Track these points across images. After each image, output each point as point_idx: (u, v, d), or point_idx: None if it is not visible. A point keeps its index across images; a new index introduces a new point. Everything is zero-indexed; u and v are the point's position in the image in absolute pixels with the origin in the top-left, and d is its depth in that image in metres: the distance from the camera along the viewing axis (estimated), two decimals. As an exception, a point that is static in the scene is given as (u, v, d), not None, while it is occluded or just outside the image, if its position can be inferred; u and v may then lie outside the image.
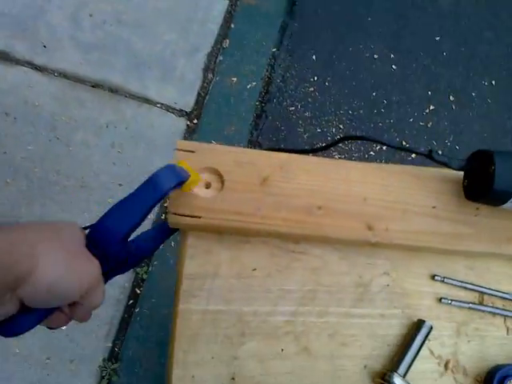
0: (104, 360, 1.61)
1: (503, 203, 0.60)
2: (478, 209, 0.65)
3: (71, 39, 1.92)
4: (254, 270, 0.62)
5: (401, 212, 0.62)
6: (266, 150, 0.73)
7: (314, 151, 0.75)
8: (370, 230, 0.61)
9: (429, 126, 2.06)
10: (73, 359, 1.59)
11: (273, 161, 0.62)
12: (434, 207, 0.64)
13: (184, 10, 2.05)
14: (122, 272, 0.56)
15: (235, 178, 0.60)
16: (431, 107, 2.08)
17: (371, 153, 1.97)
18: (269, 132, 1.93)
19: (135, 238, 0.58)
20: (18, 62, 1.85)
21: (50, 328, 0.48)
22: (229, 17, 2.09)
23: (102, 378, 1.60)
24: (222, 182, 0.60)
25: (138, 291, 1.67)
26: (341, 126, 1.98)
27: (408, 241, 0.62)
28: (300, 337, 0.60)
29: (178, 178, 0.52)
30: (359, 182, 0.63)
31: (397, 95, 2.07)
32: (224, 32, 2.06)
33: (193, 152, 0.60)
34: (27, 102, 1.81)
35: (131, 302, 1.67)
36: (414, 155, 1.99)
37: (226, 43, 2.05)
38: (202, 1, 2.08)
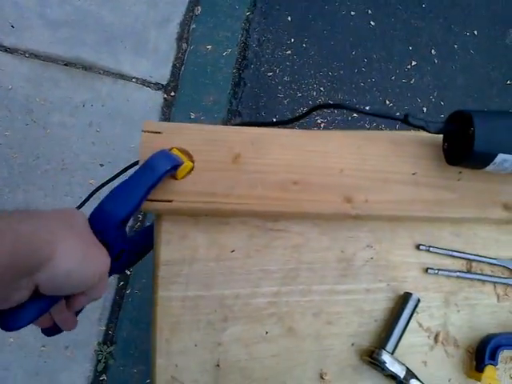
0: (99, 344, 1.62)
1: (485, 166, 0.58)
2: (460, 173, 0.63)
3: (39, 17, 1.84)
4: (233, 251, 0.60)
5: (380, 181, 0.60)
6: (237, 124, 0.70)
7: (287, 122, 0.72)
8: (348, 203, 0.59)
9: (412, 82, 2.02)
10: (68, 345, 1.59)
11: (244, 136, 0.60)
12: (413, 174, 0.62)
13: (152, -22, 1.96)
14: (120, 271, 0.56)
15: (205, 157, 0.58)
16: (413, 63, 2.04)
17: (354, 115, 1.94)
18: (248, 100, 1.89)
19: (134, 234, 0.58)
20: (-15, 44, 1.78)
21: (48, 333, 0.50)
22: (199, -18, 2.01)
23: (99, 361, 1.60)
24: (192, 162, 0.57)
25: (128, 272, 1.67)
26: (321, 89, 1.94)
27: (389, 211, 0.60)
28: (284, 318, 0.59)
29: (174, 162, 0.53)
30: (335, 153, 0.61)
31: (377, 52, 2.02)
32: (195, -2, 1.99)
33: (160, 133, 0.58)
34: (0, 86, 1.74)
35: (122, 283, 1.67)
36: (398, 114, 1.97)
37: (198, 10, 1.97)
38: (171, -33, 1.99)
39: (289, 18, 2.00)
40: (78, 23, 1.86)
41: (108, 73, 1.83)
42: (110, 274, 0.52)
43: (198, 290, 0.58)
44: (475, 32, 2.12)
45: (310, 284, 0.61)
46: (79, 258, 0.42)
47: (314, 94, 1.94)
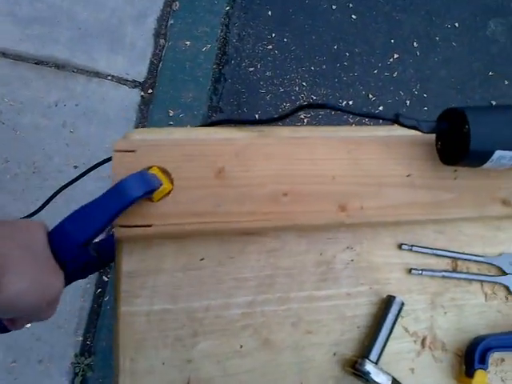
0: (76, 355, 1.54)
1: (482, 164, 0.55)
2: (456, 171, 0.59)
3: (8, 14, 1.77)
4: (203, 259, 0.55)
5: (374, 186, 0.57)
6: (210, 124, 0.65)
7: (271, 121, 0.67)
8: (343, 211, 0.55)
9: (394, 75, 1.99)
10: (41, 359, 1.52)
11: (227, 148, 0.55)
12: (408, 176, 0.58)
13: (127, -27, 1.90)
14: (84, 277, 0.54)
15: (186, 174, 0.53)
16: (395, 56, 2.01)
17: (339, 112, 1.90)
18: (229, 96, 1.84)
19: (101, 240, 0.55)
20: (-49, 43, 1.71)
21: None
22: (176, -24, 1.96)
23: (76, 374, 1.52)
24: (172, 180, 0.53)
25: (106, 278, 1.60)
26: (304, 84, 1.90)
27: (386, 217, 0.56)
28: (260, 329, 0.55)
29: (147, 187, 0.48)
30: (325, 160, 0.57)
31: (359, 46, 1.99)
32: (172, -7, 1.93)
33: (133, 151, 0.53)
34: (-33, 86, 1.67)
35: (99, 290, 1.60)
36: (378, 109, 1.94)
37: (176, 5, 1.92)
38: (146, -40, 1.94)
39: (269, 13, 1.96)
40: (50, 20, 1.80)
41: (82, 71, 1.77)
42: (68, 283, 0.49)
43: (165, 304, 0.53)
44: (456, 24, 2.10)
45: (287, 291, 0.57)
46: (27, 282, 0.40)
47: (297, 89, 1.89)
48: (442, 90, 2.04)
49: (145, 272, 0.54)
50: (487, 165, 0.55)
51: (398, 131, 0.62)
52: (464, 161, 0.54)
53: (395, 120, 0.56)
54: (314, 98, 1.88)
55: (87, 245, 0.47)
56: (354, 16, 2.01)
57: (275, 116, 0.63)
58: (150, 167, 0.53)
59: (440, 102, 2.01)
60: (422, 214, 0.57)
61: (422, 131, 0.56)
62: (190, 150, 0.54)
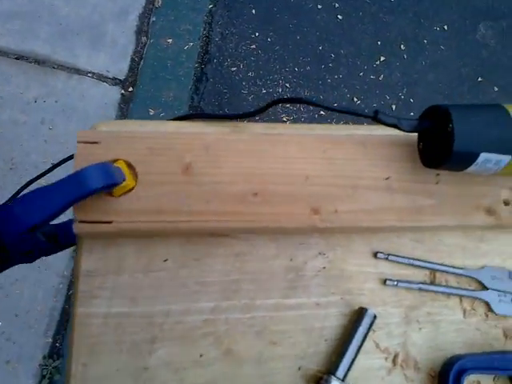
0: (44, 357, 1.51)
1: (466, 167, 0.51)
2: (438, 175, 0.56)
3: (-12, 8, 1.76)
4: (166, 261, 0.53)
5: (349, 188, 0.54)
6: (182, 118, 0.63)
7: (242, 116, 0.64)
8: (316, 214, 0.53)
9: (380, 78, 1.97)
10: (9, 359, 1.49)
11: (196, 143, 0.53)
12: (387, 178, 0.55)
13: (111, -32, 1.88)
14: (31, 261, 0.52)
15: (151, 168, 0.51)
16: (382, 58, 1.98)
17: (322, 112, 1.88)
18: (211, 96, 1.82)
19: (63, 222, 0.53)
20: None
21: None
22: (161, -27, 1.93)
23: (43, 377, 1.49)
24: (136, 175, 0.51)
25: (77, 276, 1.59)
26: (287, 85, 1.88)
27: (361, 222, 0.54)
28: (222, 338, 0.53)
29: (109, 180, 0.46)
30: (299, 158, 0.54)
31: (345, 48, 1.96)
32: (156, -10, 1.91)
33: (97, 143, 0.51)
34: None
35: (71, 291, 1.59)
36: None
37: (159, 2, 1.90)
38: (130, -43, 1.91)
39: (253, 11, 1.93)
40: (31, 15, 1.78)
41: (62, 67, 1.75)
42: (14, 264, 0.48)
43: (123, 306, 0.51)
44: (445, 27, 2.07)
45: (253, 298, 0.54)
46: None
47: (280, 90, 1.87)
48: (430, 94, 2.01)
49: (104, 271, 0.51)
50: (471, 168, 0.51)
51: (378, 131, 0.59)
52: (447, 163, 0.51)
53: (374, 117, 0.53)
54: (292, 97, 1.85)
55: (34, 230, 0.44)
56: (339, 16, 1.99)
57: (247, 112, 0.61)
58: (116, 160, 0.50)
59: (427, 106, 1.99)
60: (399, 220, 0.54)
61: (402, 130, 0.53)
62: (157, 144, 0.52)
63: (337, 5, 1.99)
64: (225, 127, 0.60)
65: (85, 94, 1.73)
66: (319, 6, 1.97)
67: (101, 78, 1.77)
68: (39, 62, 1.74)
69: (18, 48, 1.74)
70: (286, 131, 0.60)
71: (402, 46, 2.01)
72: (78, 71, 1.75)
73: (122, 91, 1.77)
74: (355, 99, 1.92)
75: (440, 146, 0.51)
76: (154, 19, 1.87)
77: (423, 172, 0.56)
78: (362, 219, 0.54)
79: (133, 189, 0.50)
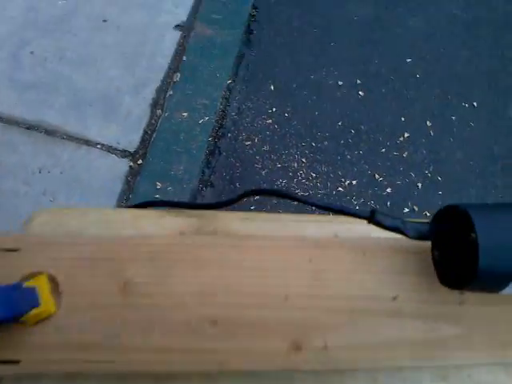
0: None
1: (499, 289, 0.36)
2: (463, 293, 0.41)
3: (8, 80, 1.77)
4: None
5: (344, 313, 0.40)
6: (141, 206, 0.52)
7: (209, 208, 0.51)
8: (298, 350, 0.38)
9: (404, 155, 1.85)
10: None
11: (141, 250, 0.41)
12: (394, 298, 0.41)
13: (132, 44, 1.90)
14: None
15: (80, 286, 0.39)
16: (406, 135, 1.88)
17: (339, 189, 1.76)
18: (222, 170, 1.73)
19: None
20: None
21: None
22: (181, 49, 1.94)
23: None
24: (59, 295, 0.39)
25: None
26: (303, 160, 1.78)
27: (361, 362, 0.39)
28: None
29: (14, 310, 0.34)
30: (276, 270, 0.41)
31: (366, 124, 1.87)
32: (175, 65, 1.90)
33: (16, 251, 0.40)
34: (-48, 149, 1.64)
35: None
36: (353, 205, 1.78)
37: (177, 77, 1.88)
38: (152, 33, 1.94)
39: (271, 87, 1.89)
40: (48, 86, 1.78)
41: (72, 138, 1.71)
42: None
43: None
44: (474, 103, 1.96)
45: None
46: None
47: (295, 165, 1.77)
48: (459, 173, 1.87)
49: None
50: (508, 290, 0.36)
51: (381, 231, 0.46)
52: (471, 284, 0.36)
53: (370, 218, 0.40)
54: (313, 175, 1.75)
55: None
56: (361, 93, 1.91)
57: (216, 202, 0.48)
58: (37, 274, 0.39)
59: (456, 186, 1.84)
60: (413, 357, 0.39)
61: (408, 236, 0.39)
62: (92, 251, 0.40)
63: (358, 81, 1.92)
64: (190, 217, 0.47)
65: (91, 165, 1.68)
66: (340, 83, 1.91)
67: (110, 149, 1.72)
68: (49, 131, 1.71)
69: (29, 118, 1.72)
70: (265, 226, 0.47)
71: (427, 123, 1.91)
72: (87, 142, 1.71)
73: (131, 163, 1.71)
74: (377, 176, 1.79)
75: (461, 260, 0.36)
76: (171, 93, 1.85)
77: (443, 288, 0.40)
78: (362, 358, 0.39)
79: (52, 315, 0.38)
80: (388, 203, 1.76)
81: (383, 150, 1.84)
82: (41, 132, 1.70)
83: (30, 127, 1.70)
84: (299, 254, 0.41)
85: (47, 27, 1.89)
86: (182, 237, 0.45)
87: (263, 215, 0.48)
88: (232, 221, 0.47)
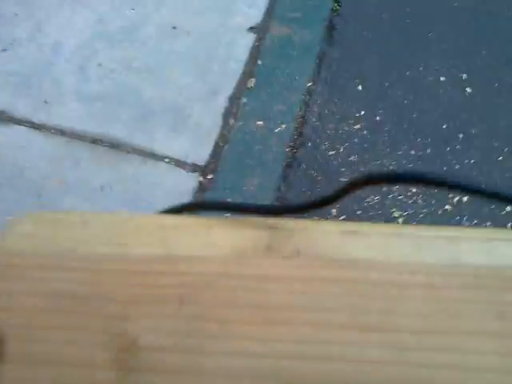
0: None
1: None
2: None
3: (75, 93, 1.70)
4: None
5: None
6: (180, 209, 0.33)
7: (284, 212, 0.28)
8: None
9: (528, 163, 1.52)
10: None
11: (159, 285, 0.25)
12: None
13: (202, 50, 1.77)
14: None
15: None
16: (527, 139, 1.55)
17: (446, 207, 1.46)
18: (301, 184, 1.52)
19: None
20: (16, 121, 1.64)
21: None
22: (255, 52, 1.77)
23: None
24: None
25: None
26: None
27: None
28: None
29: None
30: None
31: (477, 126, 1.60)
32: (249, 70, 1.74)
33: None
34: (16, 164, 1.56)
35: None
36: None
37: (252, 82, 1.71)
38: (224, 38, 1.79)
39: (359, 87, 1.66)
40: (115, 97, 1.68)
41: (137, 151, 1.58)
42: None
43: None
44: None
45: None
46: None
47: (390, 178, 1.50)
48: None
49: None
50: None
51: None
52: None
53: None
54: (413, 190, 1.47)
55: None
56: (468, 89, 1.65)
57: (297, 204, 0.27)
58: None
59: None
60: None
61: None
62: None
63: (464, 76, 1.66)
64: (256, 229, 0.27)
65: (157, 181, 1.53)
66: (442, 79, 1.66)
67: (178, 163, 1.56)
68: (114, 145, 1.59)
69: (94, 131, 1.62)
70: (388, 244, 0.26)
71: (556, 123, 1.57)
72: (153, 156, 1.57)
73: (201, 178, 1.54)
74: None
75: None
76: (244, 100, 1.68)
77: None
78: None
79: None
80: (509, 224, 1.44)
81: (500, 158, 1.54)
82: (105, 146, 1.59)
83: (94, 141, 1.60)
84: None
85: (115, 38, 1.80)
86: (240, 262, 0.24)
87: (379, 227, 0.26)
88: (326, 235, 0.26)
